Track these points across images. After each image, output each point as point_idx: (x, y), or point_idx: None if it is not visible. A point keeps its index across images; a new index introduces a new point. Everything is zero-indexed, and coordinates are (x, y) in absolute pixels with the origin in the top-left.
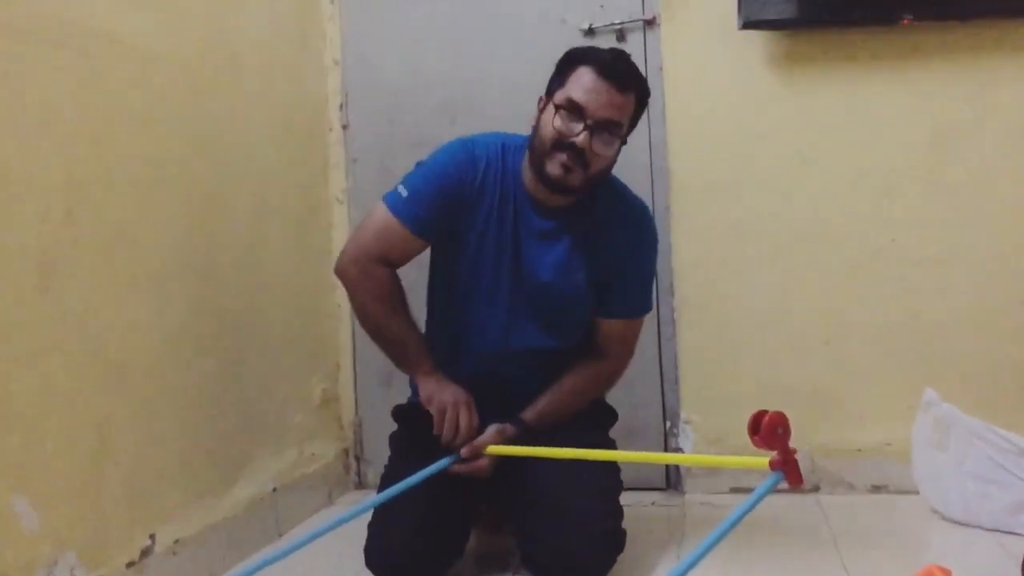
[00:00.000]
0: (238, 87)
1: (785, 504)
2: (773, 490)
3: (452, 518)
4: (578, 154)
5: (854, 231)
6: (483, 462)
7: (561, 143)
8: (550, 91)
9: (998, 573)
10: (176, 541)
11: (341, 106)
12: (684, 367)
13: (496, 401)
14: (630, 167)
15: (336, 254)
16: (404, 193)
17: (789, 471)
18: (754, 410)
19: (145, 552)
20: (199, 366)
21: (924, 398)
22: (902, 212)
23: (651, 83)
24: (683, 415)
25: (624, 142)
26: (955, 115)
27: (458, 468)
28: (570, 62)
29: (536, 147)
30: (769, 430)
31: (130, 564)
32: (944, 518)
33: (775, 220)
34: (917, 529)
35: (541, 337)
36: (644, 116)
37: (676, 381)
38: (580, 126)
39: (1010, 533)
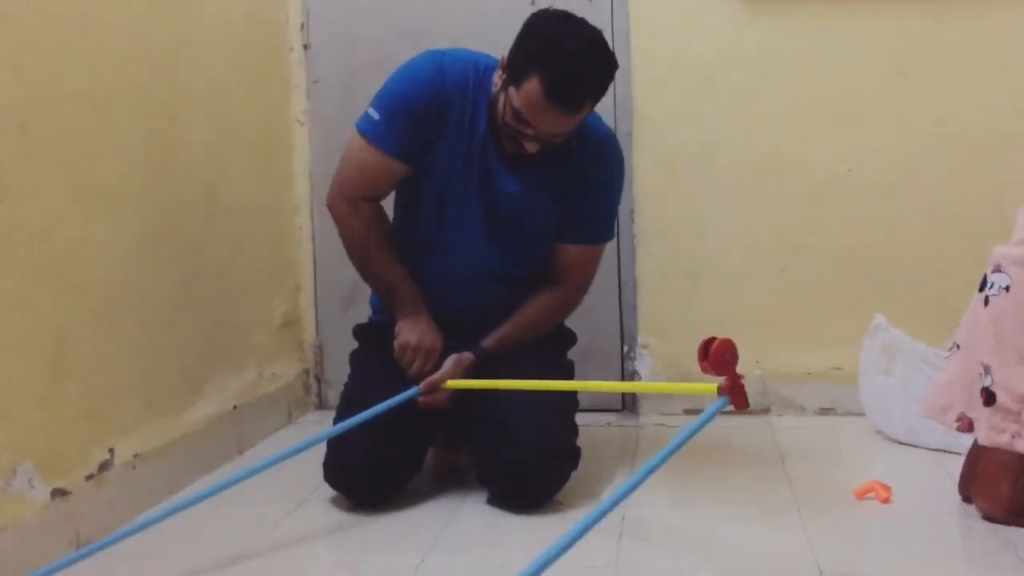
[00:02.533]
0: (197, 2)
1: (736, 425)
2: (720, 412)
3: (410, 435)
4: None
5: (813, 159)
6: (441, 396)
7: (513, 133)
8: (509, 75)
9: (937, 490)
10: (136, 455)
11: (302, 26)
12: (642, 292)
13: (454, 327)
14: None
15: (297, 176)
16: (376, 116)
17: (735, 396)
18: (708, 336)
19: (104, 465)
20: (158, 284)
21: (873, 323)
22: (860, 141)
23: (615, 6)
24: (640, 339)
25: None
26: (917, 45)
27: (419, 401)
28: (529, 61)
29: (495, 116)
30: (717, 357)
31: (89, 476)
32: (888, 439)
33: (735, 148)
34: (862, 449)
35: (504, 261)
36: (608, 41)
37: (634, 306)
38: (529, 131)
39: (951, 452)
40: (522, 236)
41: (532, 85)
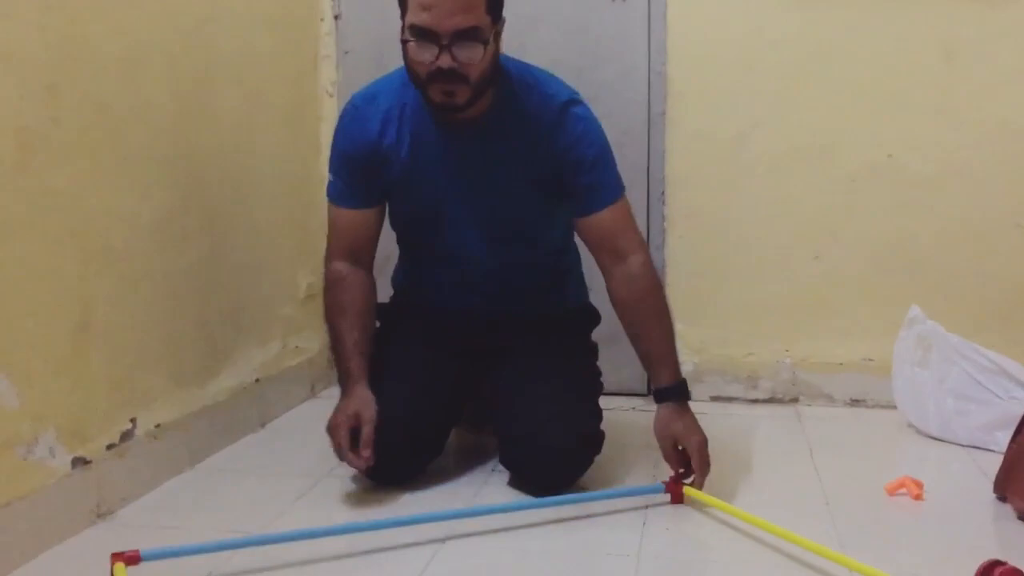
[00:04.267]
0: None
1: (764, 414)
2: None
3: (434, 416)
4: (448, 75)
5: (852, 146)
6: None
7: (428, 73)
8: (401, 12)
9: (970, 488)
10: (157, 426)
11: None
12: (671, 275)
13: (485, 327)
14: (626, 70)
15: (324, 149)
16: (330, 176)
17: None
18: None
19: (126, 435)
20: (184, 254)
21: (909, 315)
22: (902, 129)
23: None
24: None
25: (498, 30)
26: (963, 34)
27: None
28: None
29: (414, 82)
30: None
31: (111, 446)
32: (921, 433)
33: (772, 132)
34: (893, 442)
35: (508, 251)
36: (644, 18)
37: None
38: (435, 49)
39: (985, 450)
40: (514, 223)
41: None
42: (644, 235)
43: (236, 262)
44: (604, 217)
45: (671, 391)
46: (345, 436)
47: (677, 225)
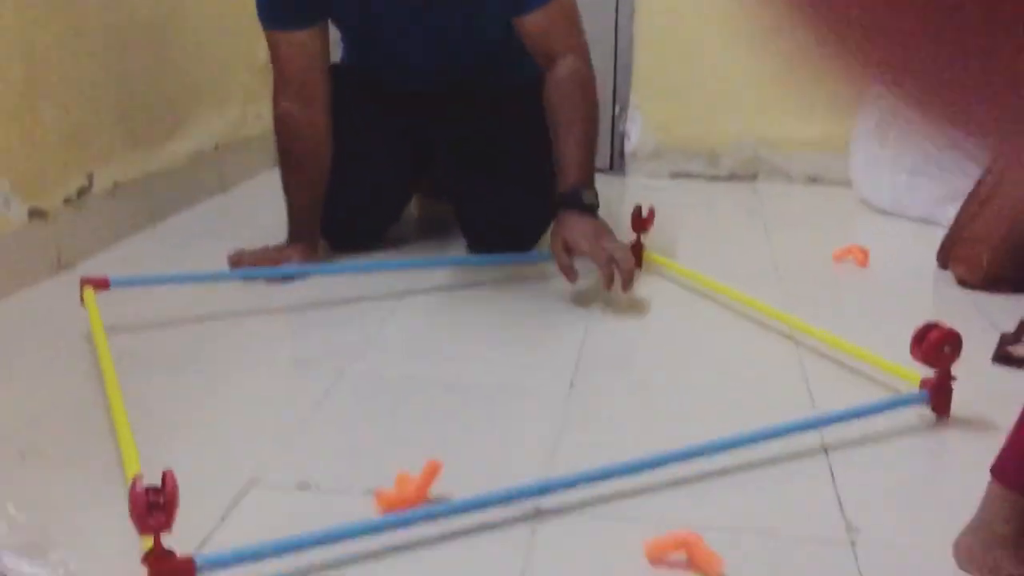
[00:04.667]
0: None
1: (722, 190)
2: (906, 406)
3: (391, 178)
4: None
5: None
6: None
7: None
8: None
9: (915, 258)
10: (115, 184)
11: None
12: (638, 53)
13: (437, 105)
14: None
15: None
16: (259, 2)
17: (938, 399)
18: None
19: (83, 191)
20: (135, 9)
21: (872, 90)
22: None
23: None
24: (633, 100)
25: None
26: None
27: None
28: None
29: None
30: (934, 346)
31: (67, 200)
32: (873, 208)
33: None
34: (846, 216)
35: (452, 45)
36: None
37: (629, 67)
38: None
39: (934, 223)
40: (453, 18)
41: None
42: (613, 13)
43: (192, 23)
44: (537, 19)
45: (566, 197)
46: (250, 260)
47: (644, 2)
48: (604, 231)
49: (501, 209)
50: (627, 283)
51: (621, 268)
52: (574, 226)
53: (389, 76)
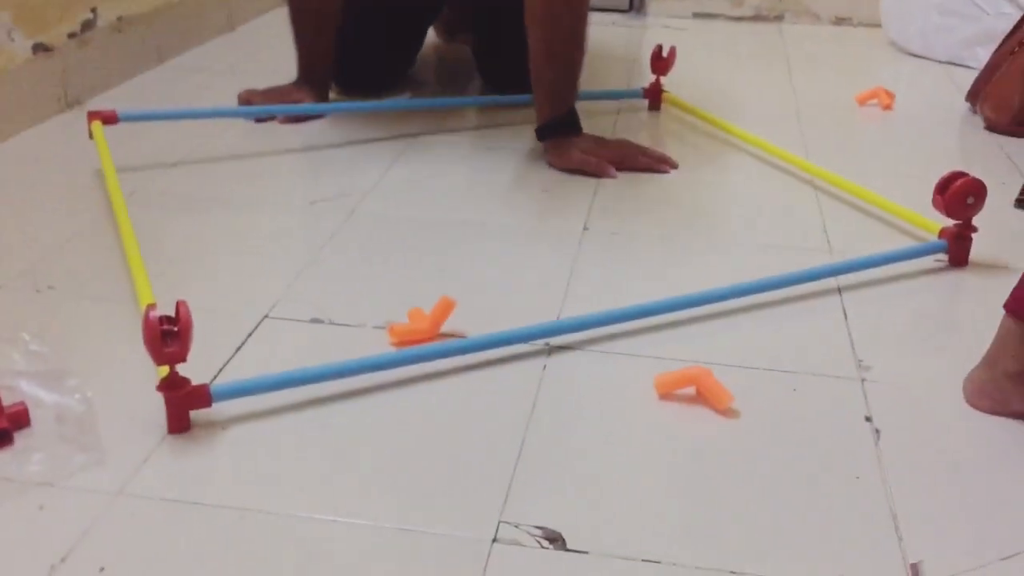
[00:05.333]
0: None
1: (746, 31)
2: (925, 255)
3: (407, 23)
4: None
5: None
6: None
7: None
8: None
9: (942, 100)
10: (120, 18)
11: None
12: None
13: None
14: None
15: None
16: None
17: (956, 250)
18: None
19: (87, 25)
20: None
21: None
22: None
23: None
24: None
25: None
26: None
27: None
28: None
29: None
30: (957, 196)
31: (72, 35)
32: (901, 50)
33: None
34: (872, 58)
35: None
36: None
37: None
38: None
39: (961, 66)
40: None
41: None
42: None
43: None
44: None
45: (543, 129)
46: (260, 99)
47: None
48: (596, 139)
49: (518, 45)
50: (665, 160)
51: (651, 155)
52: (575, 144)
53: None
